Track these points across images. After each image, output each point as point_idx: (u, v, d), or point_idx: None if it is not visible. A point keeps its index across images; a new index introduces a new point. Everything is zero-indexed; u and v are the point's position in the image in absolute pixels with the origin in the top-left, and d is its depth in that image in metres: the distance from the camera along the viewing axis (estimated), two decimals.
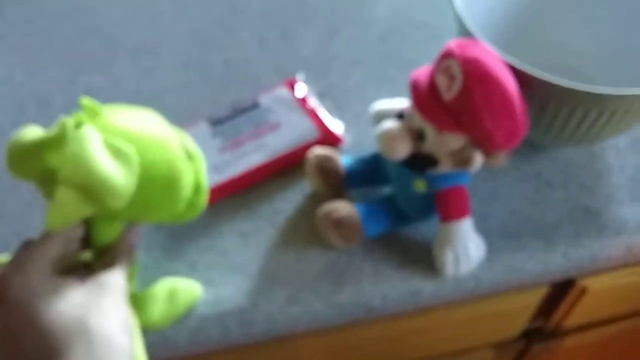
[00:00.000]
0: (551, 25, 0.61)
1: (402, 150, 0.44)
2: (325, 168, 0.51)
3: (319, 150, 0.52)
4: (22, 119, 0.60)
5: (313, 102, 0.58)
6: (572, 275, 0.54)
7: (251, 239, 0.52)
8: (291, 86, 0.59)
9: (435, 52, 0.64)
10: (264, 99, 0.58)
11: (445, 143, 0.43)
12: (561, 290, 0.63)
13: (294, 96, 0.58)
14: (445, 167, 0.45)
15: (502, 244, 0.51)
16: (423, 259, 0.50)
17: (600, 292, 0.62)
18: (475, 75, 0.40)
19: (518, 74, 0.46)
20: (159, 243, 0.52)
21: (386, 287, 0.49)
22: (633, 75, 0.56)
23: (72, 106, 0.61)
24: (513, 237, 0.52)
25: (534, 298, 0.61)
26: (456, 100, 0.41)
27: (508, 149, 0.43)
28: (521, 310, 0.63)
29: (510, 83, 0.41)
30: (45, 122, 0.60)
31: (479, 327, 0.64)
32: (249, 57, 0.65)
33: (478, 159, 0.43)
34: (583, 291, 0.61)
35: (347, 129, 0.58)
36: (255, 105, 0.57)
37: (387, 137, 0.44)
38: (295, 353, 0.61)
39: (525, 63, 0.49)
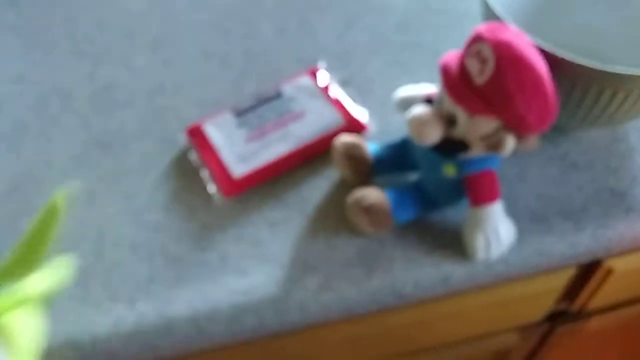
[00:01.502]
0: (575, 7, 0.61)
1: (434, 135, 0.45)
2: (353, 155, 0.51)
3: (346, 138, 0.52)
4: (44, 114, 0.61)
5: (336, 90, 0.58)
6: (599, 256, 0.54)
7: (281, 227, 0.52)
8: (313, 75, 0.59)
9: (455, 37, 0.64)
10: (287, 88, 0.58)
11: (476, 127, 0.44)
12: (587, 272, 0.63)
13: (317, 85, 0.58)
14: (476, 151, 0.45)
15: (531, 227, 0.52)
16: (453, 243, 0.51)
17: (626, 273, 0.62)
18: (507, 58, 0.40)
19: (546, 56, 0.46)
20: (189, 233, 0.52)
21: (417, 272, 0.50)
22: None
23: (94, 99, 0.61)
24: (541, 219, 0.52)
25: (561, 280, 0.62)
26: (488, 83, 0.41)
27: (539, 131, 0.44)
28: (547, 292, 0.63)
29: (541, 66, 0.41)
30: (69, 117, 0.60)
31: (505, 310, 0.64)
32: (268, 47, 0.65)
33: (510, 143, 0.44)
34: (609, 272, 0.61)
35: (371, 116, 0.58)
36: (278, 95, 0.58)
37: (418, 123, 0.44)
38: (321, 342, 0.61)
39: (551, 45, 0.49)
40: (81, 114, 0.60)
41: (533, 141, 0.45)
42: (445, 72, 0.44)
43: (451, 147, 0.46)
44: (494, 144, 0.44)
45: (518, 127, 0.43)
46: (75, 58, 0.65)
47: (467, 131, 0.44)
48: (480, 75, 0.42)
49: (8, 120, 0.60)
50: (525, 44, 0.42)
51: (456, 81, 0.43)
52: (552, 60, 0.45)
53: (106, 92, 0.62)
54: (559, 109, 0.50)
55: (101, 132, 0.59)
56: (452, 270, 0.50)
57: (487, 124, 0.43)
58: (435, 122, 0.44)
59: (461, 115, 0.44)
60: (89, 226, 0.53)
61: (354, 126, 0.56)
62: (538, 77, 0.41)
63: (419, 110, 0.45)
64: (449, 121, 0.45)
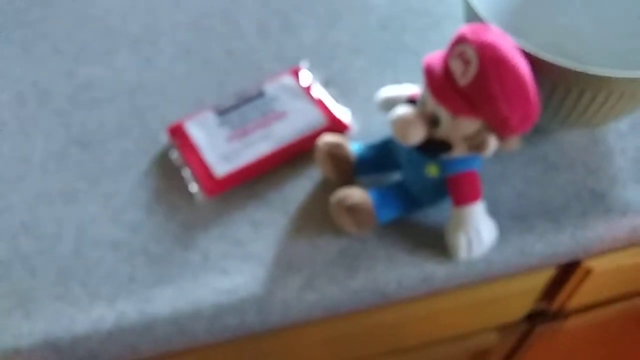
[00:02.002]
0: (556, 9, 0.62)
1: (417, 135, 0.45)
2: (336, 155, 0.51)
3: (328, 137, 0.52)
4: (22, 111, 0.60)
5: (318, 90, 0.58)
6: (578, 256, 0.54)
7: (263, 227, 0.52)
8: (296, 74, 0.59)
9: (437, 38, 0.65)
10: (269, 88, 0.58)
11: (459, 127, 0.44)
12: (566, 272, 0.64)
13: (299, 84, 0.58)
14: (459, 151, 0.45)
15: (512, 227, 0.52)
16: (435, 243, 0.51)
17: (604, 273, 0.63)
18: (491, 59, 0.41)
19: (528, 58, 0.46)
20: (170, 232, 0.51)
21: (400, 272, 0.50)
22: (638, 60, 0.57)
23: (73, 97, 0.61)
24: (522, 219, 0.52)
25: (540, 280, 0.62)
26: (471, 84, 0.42)
27: (522, 132, 0.44)
28: (527, 292, 0.64)
29: (524, 67, 0.42)
30: (47, 114, 0.59)
31: (485, 310, 0.65)
32: (250, 46, 0.65)
33: (492, 143, 0.44)
34: (588, 272, 0.62)
35: (353, 115, 0.58)
36: (260, 94, 0.57)
37: (401, 123, 0.44)
38: (303, 341, 0.61)
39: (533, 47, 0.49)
40: (60, 112, 0.60)
41: (515, 142, 0.45)
42: (429, 72, 0.44)
43: (434, 147, 0.46)
44: (476, 145, 0.44)
45: (501, 128, 0.43)
46: (55, 55, 0.64)
47: (450, 132, 0.44)
48: (463, 76, 0.42)
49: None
50: (509, 45, 0.42)
51: (440, 82, 0.43)
52: (534, 62, 0.46)
53: (86, 90, 0.61)
54: (540, 110, 0.51)
55: (81, 131, 0.58)
56: (435, 270, 0.50)
57: (469, 125, 0.44)
58: (418, 122, 0.44)
59: (444, 115, 0.44)
60: (68, 225, 0.52)
61: (336, 126, 0.56)
62: (521, 79, 0.41)
63: (403, 110, 0.45)
64: (432, 121, 0.45)
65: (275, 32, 0.66)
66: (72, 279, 0.49)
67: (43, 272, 0.50)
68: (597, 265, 0.61)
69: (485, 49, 0.41)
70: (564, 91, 0.47)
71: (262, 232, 0.52)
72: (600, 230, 0.53)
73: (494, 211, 0.53)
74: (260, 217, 0.52)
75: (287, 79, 0.58)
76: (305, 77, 0.59)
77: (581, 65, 0.45)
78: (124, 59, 0.64)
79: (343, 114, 0.57)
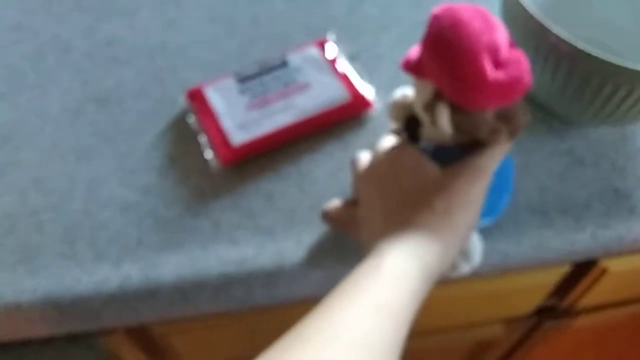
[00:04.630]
0: (592, 1, 0.60)
1: (394, 110, 0.44)
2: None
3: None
4: (41, 66, 0.59)
5: (343, 64, 0.56)
6: (596, 255, 0.53)
7: (276, 200, 0.51)
8: (321, 46, 0.57)
9: None
10: (294, 58, 0.56)
11: (419, 94, 0.41)
12: (581, 269, 0.62)
13: (325, 57, 0.57)
14: (427, 128, 0.42)
15: (531, 220, 0.50)
16: None
17: (620, 274, 0.61)
18: (445, 17, 0.38)
19: (564, 47, 0.44)
20: (182, 198, 0.50)
21: None
22: None
23: (93, 54, 0.59)
24: (542, 213, 0.51)
25: (554, 276, 0.61)
26: (426, 41, 0.39)
27: (475, 103, 0.39)
28: (539, 287, 0.62)
29: (478, 35, 0.37)
30: (65, 69, 0.58)
31: (495, 302, 0.64)
32: (277, 13, 0.63)
33: (443, 112, 0.40)
34: (603, 272, 0.60)
35: (377, 93, 0.57)
36: (284, 64, 0.56)
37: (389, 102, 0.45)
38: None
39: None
40: (79, 68, 0.59)
41: (483, 119, 0.40)
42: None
43: (411, 125, 0.44)
44: (433, 119, 0.40)
45: (447, 91, 0.39)
46: (77, 10, 0.63)
47: (416, 103, 0.42)
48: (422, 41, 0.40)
49: (3, 69, 0.59)
50: (473, 15, 0.38)
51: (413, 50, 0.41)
52: (570, 51, 0.44)
53: (106, 48, 0.60)
54: (571, 101, 0.49)
55: (98, 88, 0.57)
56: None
57: (424, 88, 0.40)
58: (400, 99, 0.44)
59: (414, 85, 0.42)
60: (79, 183, 0.51)
61: (359, 102, 0.54)
62: (455, 47, 0.37)
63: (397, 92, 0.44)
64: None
65: (303, 1, 0.64)
66: (79, 238, 0.49)
67: (50, 229, 0.49)
68: (614, 265, 0.60)
69: (437, 15, 0.38)
70: (598, 84, 0.45)
71: (275, 204, 0.50)
72: (622, 231, 0.51)
73: (513, 203, 0.51)
74: (274, 189, 0.51)
75: (312, 51, 0.57)
76: (331, 49, 0.57)
77: (618, 58, 0.43)
78: (147, 18, 0.63)
79: (367, 90, 0.55)
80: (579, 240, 0.50)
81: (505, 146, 0.41)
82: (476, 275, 0.51)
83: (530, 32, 0.47)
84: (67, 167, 0.52)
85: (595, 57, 0.43)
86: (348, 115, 0.54)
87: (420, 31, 0.58)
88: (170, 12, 0.63)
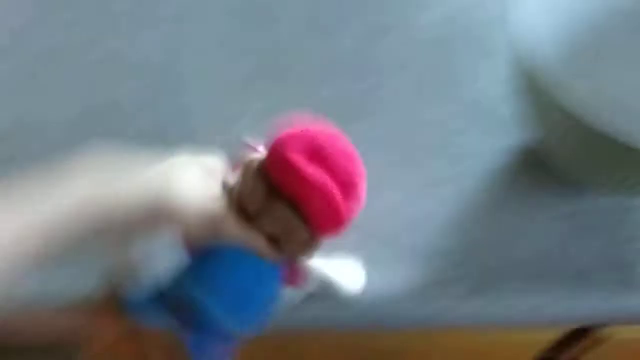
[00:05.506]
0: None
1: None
2: None
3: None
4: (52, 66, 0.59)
5: None
6: (594, 325, 0.51)
7: None
8: None
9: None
10: None
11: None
12: (577, 335, 0.61)
13: None
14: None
15: (526, 285, 0.49)
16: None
17: (617, 345, 0.60)
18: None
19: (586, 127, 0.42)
20: None
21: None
22: None
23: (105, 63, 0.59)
24: (538, 278, 0.49)
25: (547, 337, 0.60)
26: None
27: None
28: (530, 345, 0.61)
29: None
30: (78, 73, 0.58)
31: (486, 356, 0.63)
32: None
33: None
34: (599, 341, 0.59)
35: None
36: None
37: None
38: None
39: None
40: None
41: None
42: None
43: None
44: None
45: None
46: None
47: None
48: None
49: (21, 62, 0.59)
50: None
51: None
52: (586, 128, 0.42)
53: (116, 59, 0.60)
54: (590, 167, 0.47)
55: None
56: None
57: None
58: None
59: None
60: None
61: None
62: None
63: None
64: None
65: None
66: None
67: None
68: (612, 335, 0.58)
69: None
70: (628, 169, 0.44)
71: None
72: (621, 304, 0.49)
73: (508, 265, 0.49)
74: None
75: None
76: None
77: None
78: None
79: None
80: (575, 308, 0.49)
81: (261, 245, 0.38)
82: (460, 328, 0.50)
83: (542, 106, 0.46)
84: None
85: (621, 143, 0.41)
86: None
87: None
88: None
